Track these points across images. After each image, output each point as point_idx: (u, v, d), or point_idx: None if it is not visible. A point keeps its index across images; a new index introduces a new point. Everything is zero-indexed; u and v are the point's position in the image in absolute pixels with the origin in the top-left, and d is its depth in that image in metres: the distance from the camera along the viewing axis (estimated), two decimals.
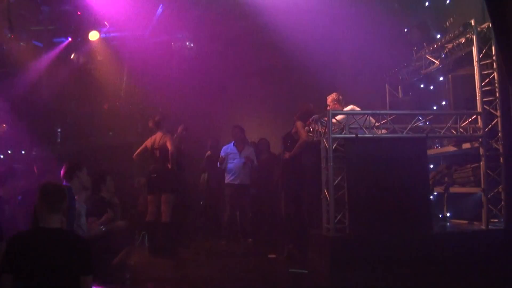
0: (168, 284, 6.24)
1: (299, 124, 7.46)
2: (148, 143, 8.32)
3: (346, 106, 7.83)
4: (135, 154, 8.54)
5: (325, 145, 6.70)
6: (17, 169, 8.41)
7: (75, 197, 5.77)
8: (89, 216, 6.30)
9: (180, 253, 7.91)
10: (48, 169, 8.81)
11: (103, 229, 6.84)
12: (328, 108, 7.94)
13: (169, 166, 7.94)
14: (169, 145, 7.94)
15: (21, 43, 10.30)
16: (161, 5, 10.24)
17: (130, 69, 11.81)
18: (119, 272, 6.58)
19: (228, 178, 9.40)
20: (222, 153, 9.53)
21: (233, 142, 9.56)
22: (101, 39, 10.86)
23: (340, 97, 7.92)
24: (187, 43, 11.07)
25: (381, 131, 7.10)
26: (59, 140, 12.34)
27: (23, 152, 11.21)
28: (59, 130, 12.37)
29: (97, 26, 10.46)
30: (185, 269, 7.10)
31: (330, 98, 8.03)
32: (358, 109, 7.64)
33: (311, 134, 7.75)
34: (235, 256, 8.08)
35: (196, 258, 7.90)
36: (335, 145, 6.66)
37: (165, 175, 8.00)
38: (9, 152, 10.83)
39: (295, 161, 7.53)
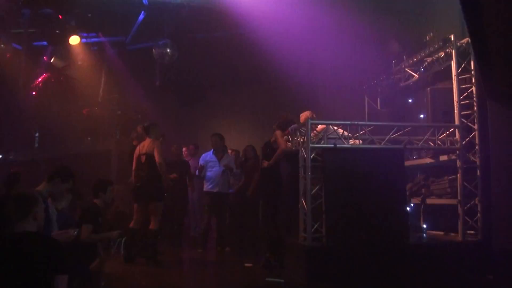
0: None
1: (278, 133, 7.45)
2: (137, 150, 8.14)
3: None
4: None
5: (304, 155, 6.70)
6: None
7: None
8: (80, 222, 6.26)
9: (158, 261, 7.84)
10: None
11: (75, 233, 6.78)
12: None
13: (157, 173, 7.79)
14: (156, 154, 7.76)
15: (1, 45, 10.18)
16: (142, 11, 10.22)
17: (110, 75, 11.74)
18: (94, 280, 6.52)
19: (207, 186, 9.35)
20: (201, 161, 9.48)
21: (212, 150, 9.51)
22: (81, 43, 10.80)
23: (314, 115, 7.80)
24: (168, 50, 11.03)
25: (359, 142, 7.14)
26: (36, 145, 12.23)
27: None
28: (37, 135, 12.25)
29: (78, 30, 10.39)
30: (161, 277, 7.02)
31: (303, 117, 7.81)
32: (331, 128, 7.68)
33: (290, 144, 7.76)
34: (211, 264, 8.03)
35: (172, 266, 7.83)
36: (313, 154, 6.67)
37: (151, 184, 7.79)
38: None
39: (273, 170, 7.52)
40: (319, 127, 7.32)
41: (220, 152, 9.45)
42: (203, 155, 9.62)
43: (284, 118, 7.68)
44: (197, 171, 9.53)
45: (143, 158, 7.85)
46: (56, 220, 6.05)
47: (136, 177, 7.99)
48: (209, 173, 9.32)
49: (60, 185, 5.85)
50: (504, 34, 5.52)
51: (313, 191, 6.59)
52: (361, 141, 7.08)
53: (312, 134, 6.76)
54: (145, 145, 7.93)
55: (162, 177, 7.76)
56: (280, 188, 7.33)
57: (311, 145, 6.62)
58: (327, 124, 6.96)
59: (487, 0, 5.33)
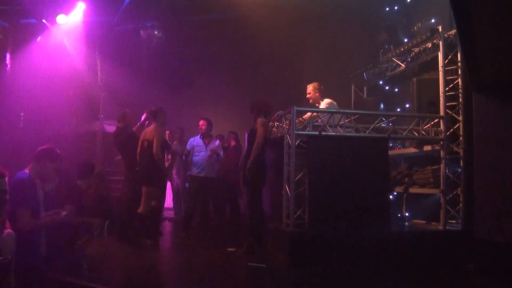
0: (125, 274, 6.16)
1: (259, 121, 7.36)
2: (142, 134, 8.09)
3: (324, 98, 7.91)
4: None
5: (288, 141, 6.72)
6: None
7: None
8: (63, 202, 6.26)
9: (141, 244, 7.85)
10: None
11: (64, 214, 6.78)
12: (308, 96, 7.97)
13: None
14: (154, 143, 7.66)
15: None
16: None
17: (98, 55, 11.64)
18: (77, 261, 6.52)
19: (193, 171, 9.35)
20: (188, 146, 9.47)
21: (199, 135, 9.49)
22: (69, 23, 10.67)
23: (322, 87, 7.92)
24: (155, 32, 10.95)
25: (344, 130, 7.17)
26: (21, 125, 12.09)
27: None
28: (22, 114, 12.12)
29: (65, 9, 10.26)
30: (144, 260, 7.03)
31: (311, 87, 7.98)
32: (335, 103, 7.73)
33: (275, 130, 7.77)
34: (194, 248, 8.04)
35: (155, 249, 7.84)
36: (298, 141, 6.68)
37: (148, 169, 7.79)
38: None
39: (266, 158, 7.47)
40: (306, 115, 7.34)
41: (207, 137, 9.44)
42: (191, 139, 9.58)
43: (262, 103, 7.56)
44: (183, 156, 9.51)
45: (146, 144, 7.84)
46: (43, 201, 6.07)
47: (139, 161, 8.03)
48: (196, 158, 9.31)
49: (49, 166, 5.82)
50: (492, 27, 5.55)
51: (297, 177, 6.62)
52: (346, 130, 7.11)
53: (297, 121, 6.77)
54: (148, 131, 7.91)
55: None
56: (263, 174, 7.32)
57: (296, 132, 6.64)
58: (313, 112, 6.97)
59: None
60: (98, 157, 11.36)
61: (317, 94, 7.87)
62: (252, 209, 7.33)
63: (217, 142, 9.64)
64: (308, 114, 7.31)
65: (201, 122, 9.50)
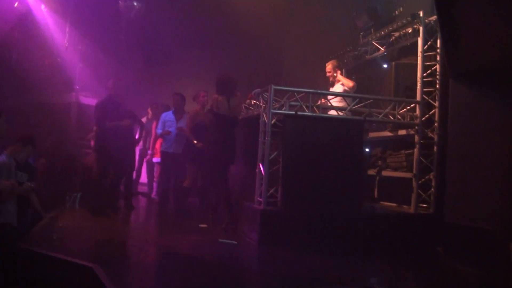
0: (94, 246, 6.13)
1: (213, 98, 7.34)
2: None
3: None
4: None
5: (264, 120, 6.68)
6: None
7: None
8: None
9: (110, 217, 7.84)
10: None
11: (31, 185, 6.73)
12: (328, 74, 8.12)
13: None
14: None
15: None
16: None
17: (75, 25, 11.40)
18: (46, 233, 6.47)
19: (162, 147, 9.28)
20: (160, 121, 9.34)
21: (172, 110, 9.40)
22: None
23: (340, 63, 8.10)
24: (134, 3, 10.76)
25: (321, 111, 7.18)
26: None
27: None
28: None
29: None
30: (113, 233, 7.01)
31: (330, 65, 8.13)
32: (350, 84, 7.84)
33: (252, 108, 7.74)
34: (166, 223, 8.03)
35: (126, 221, 7.82)
36: (274, 120, 6.66)
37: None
38: None
39: (216, 135, 7.42)
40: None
41: (179, 112, 9.33)
42: (163, 114, 9.47)
43: (221, 78, 7.51)
44: (158, 131, 9.41)
45: None
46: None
47: None
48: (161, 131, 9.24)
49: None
50: (472, 15, 5.57)
51: (272, 156, 6.61)
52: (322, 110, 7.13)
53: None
54: None
55: None
56: (225, 153, 7.28)
57: (272, 110, 6.61)
58: (291, 92, 6.93)
59: None
60: (73, 129, 11.20)
61: (338, 72, 8.11)
62: (218, 188, 7.34)
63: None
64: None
65: (173, 98, 9.42)
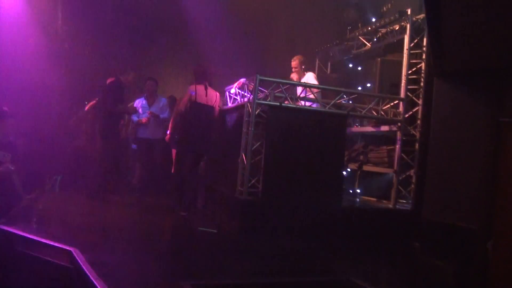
0: (73, 229, 6.11)
1: (190, 87, 7.54)
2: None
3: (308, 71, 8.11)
4: None
5: (249, 110, 6.70)
6: None
7: None
8: None
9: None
10: None
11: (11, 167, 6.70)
12: (293, 70, 8.15)
13: None
14: None
15: None
16: None
17: (63, 5, 11.26)
18: (26, 214, 6.45)
19: (138, 132, 9.27)
20: (135, 105, 9.31)
21: (144, 95, 9.38)
22: None
23: (305, 59, 8.18)
24: None
25: (305, 103, 7.21)
26: None
27: None
28: None
29: None
30: (94, 217, 7.00)
31: (296, 61, 8.15)
32: (315, 79, 7.90)
33: (237, 97, 7.75)
34: (146, 210, 8.02)
35: (107, 208, 7.80)
36: (258, 110, 6.68)
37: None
38: None
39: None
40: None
41: (152, 97, 9.31)
42: (137, 100, 9.45)
43: (197, 70, 7.74)
44: (133, 118, 9.37)
45: None
46: None
47: None
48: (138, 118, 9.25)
49: None
50: (459, 15, 5.61)
51: (254, 146, 6.64)
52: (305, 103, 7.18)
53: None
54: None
55: None
56: (196, 140, 7.44)
57: (257, 101, 6.63)
58: (276, 83, 6.95)
59: None
60: (53, 110, 11.08)
61: (302, 67, 8.10)
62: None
63: (162, 102, 9.52)
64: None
65: (147, 83, 9.43)
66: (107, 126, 8.24)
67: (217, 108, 7.84)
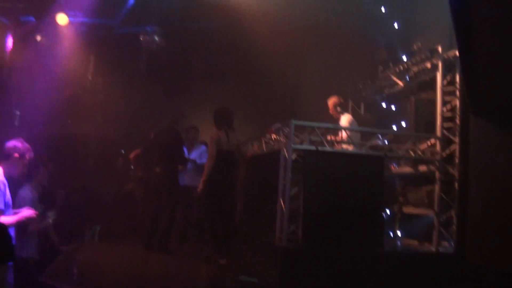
0: (114, 281, 6.13)
1: (210, 138, 7.50)
2: None
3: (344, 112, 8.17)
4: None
5: (285, 155, 6.69)
6: None
7: None
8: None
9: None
10: None
11: (50, 220, 6.77)
12: (330, 111, 8.16)
13: None
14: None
15: None
16: None
17: (96, 58, 11.58)
18: (66, 266, 6.50)
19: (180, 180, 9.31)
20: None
21: (185, 143, 9.46)
22: (68, 23, 10.61)
23: (342, 100, 8.16)
24: (156, 38, 10.91)
25: (341, 146, 7.19)
26: (16, 123, 12.00)
27: None
28: (18, 112, 12.02)
29: (66, 9, 10.21)
30: (132, 268, 7.02)
31: (332, 102, 8.16)
32: (352, 119, 7.90)
33: (272, 143, 7.77)
34: (185, 258, 8.00)
35: (147, 257, 7.81)
36: (294, 156, 6.67)
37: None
38: None
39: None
40: None
41: (192, 145, 9.41)
42: None
43: (220, 113, 7.68)
44: None
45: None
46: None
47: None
48: None
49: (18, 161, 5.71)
50: (493, 51, 5.56)
51: (292, 192, 6.60)
52: (342, 146, 7.13)
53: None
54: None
55: None
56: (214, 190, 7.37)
57: (293, 145, 6.63)
58: (311, 127, 6.96)
59: (478, 16, 5.39)
60: (91, 160, 11.29)
61: (338, 109, 8.11)
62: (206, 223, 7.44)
63: (202, 149, 9.58)
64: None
65: (187, 131, 9.58)
66: (174, 177, 8.33)
67: (239, 153, 7.82)
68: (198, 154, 9.33)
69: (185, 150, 9.28)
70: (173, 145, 8.23)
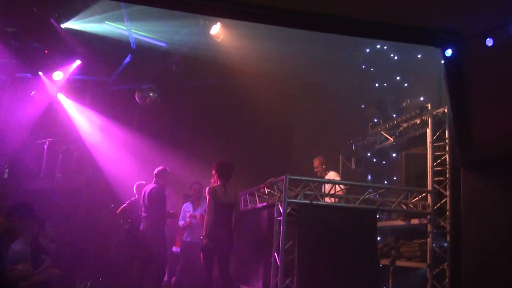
0: None
1: (207, 192, 7.42)
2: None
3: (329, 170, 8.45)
4: None
5: (279, 209, 6.74)
6: None
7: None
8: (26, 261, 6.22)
9: None
10: None
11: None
12: (315, 170, 8.49)
13: None
14: None
15: None
16: (130, 54, 10.30)
17: (90, 113, 11.68)
18: None
19: (183, 236, 9.25)
20: (182, 211, 9.36)
21: (191, 198, 9.45)
22: (64, 79, 10.76)
23: (326, 160, 8.60)
24: (150, 94, 11.07)
25: (334, 200, 7.27)
26: (6, 176, 11.95)
27: None
28: (6, 166, 11.99)
29: (62, 66, 10.36)
30: None
31: (317, 161, 8.52)
32: (338, 176, 8.12)
33: (266, 197, 7.81)
34: None
35: None
36: (289, 209, 6.72)
37: None
38: None
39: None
40: None
41: (196, 200, 9.38)
42: (184, 205, 9.46)
43: (220, 165, 7.63)
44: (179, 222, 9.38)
45: None
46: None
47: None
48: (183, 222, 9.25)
49: (17, 223, 5.73)
50: (483, 108, 5.78)
51: (287, 245, 6.61)
52: (335, 199, 7.23)
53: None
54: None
55: None
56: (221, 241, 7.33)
57: (287, 199, 6.69)
58: (304, 181, 7.05)
59: (471, 78, 5.66)
60: (81, 214, 11.18)
61: (323, 167, 8.51)
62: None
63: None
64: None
65: (193, 185, 9.43)
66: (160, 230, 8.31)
67: (237, 206, 7.81)
68: (203, 210, 9.27)
69: (190, 205, 9.29)
70: (154, 200, 8.24)
